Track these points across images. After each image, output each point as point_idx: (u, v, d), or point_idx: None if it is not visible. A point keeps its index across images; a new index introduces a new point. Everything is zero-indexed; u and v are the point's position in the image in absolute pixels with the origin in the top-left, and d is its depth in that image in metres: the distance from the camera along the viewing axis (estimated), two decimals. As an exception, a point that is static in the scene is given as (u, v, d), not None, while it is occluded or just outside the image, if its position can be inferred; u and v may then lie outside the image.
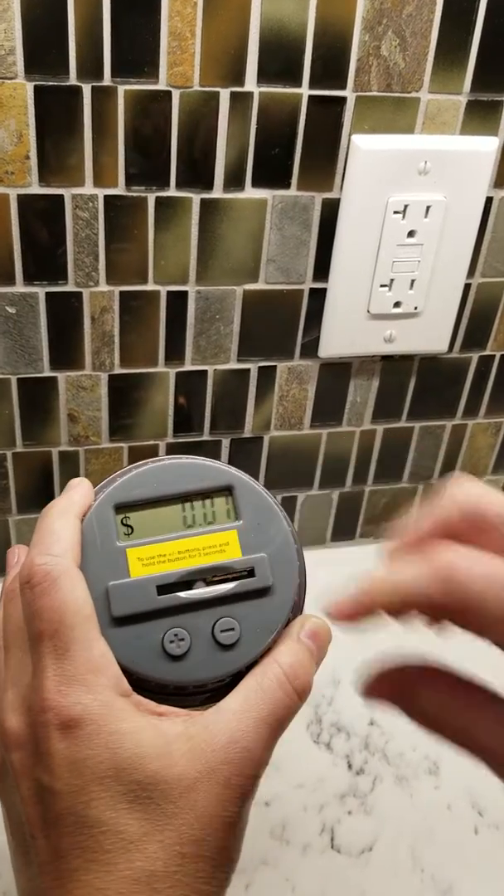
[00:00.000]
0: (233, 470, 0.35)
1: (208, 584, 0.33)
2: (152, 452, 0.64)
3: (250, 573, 0.33)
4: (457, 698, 0.29)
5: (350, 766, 0.57)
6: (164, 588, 0.33)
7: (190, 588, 0.33)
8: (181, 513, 0.34)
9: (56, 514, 0.33)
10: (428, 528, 0.30)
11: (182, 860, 0.28)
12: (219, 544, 0.34)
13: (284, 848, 0.52)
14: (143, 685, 0.32)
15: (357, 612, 0.30)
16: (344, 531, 0.74)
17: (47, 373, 0.58)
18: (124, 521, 0.34)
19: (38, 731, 0.29)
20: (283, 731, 0.31)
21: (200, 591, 0.33)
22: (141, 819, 0.28)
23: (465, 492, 0.30)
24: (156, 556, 0.33)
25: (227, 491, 0.35)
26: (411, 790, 0.55)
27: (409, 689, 0.30)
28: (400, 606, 0.28)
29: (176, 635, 0.32)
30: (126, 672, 0.31)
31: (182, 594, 0.33)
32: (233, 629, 0.33)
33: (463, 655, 0.32)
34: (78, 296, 0.55)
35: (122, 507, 0.34)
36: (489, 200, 0.59)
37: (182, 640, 0.32)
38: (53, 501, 0.34)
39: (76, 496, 0.34)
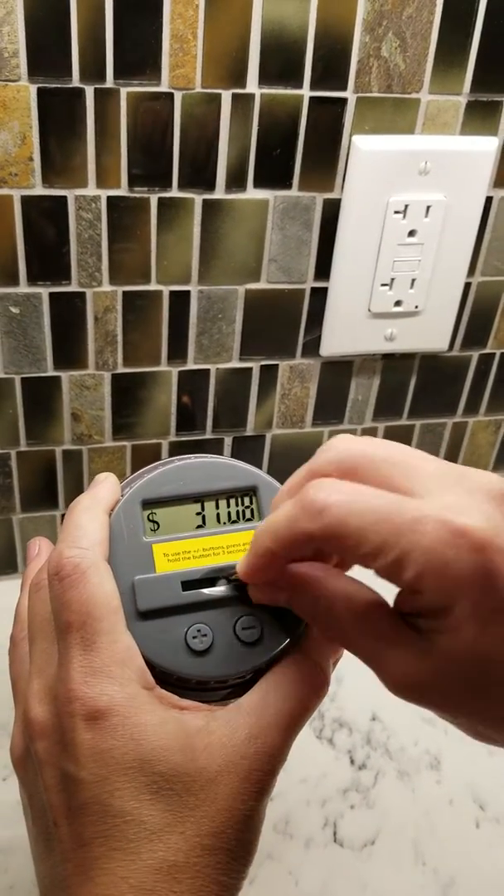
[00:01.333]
0: (257, 471, 0.36)
1: (231, 581, 0.34)
2: (155, 451, 0.64)
3: None
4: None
5: (352, 762, 0.57)
6: (189, 584, 0.33)
7: (213, 585, 0.34)
8: (206, 511, 0.35)
9: (83, 508, 0.34)
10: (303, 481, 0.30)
11: (202, 851, 0.29)
12: (242, 543, 0.34)
13: (288, 842, 0.52)
14: (165, 679, 0.32)
15: (260, 568, 0.30)
16: (345, 528, 0.74)
17: (51, 372, 0.58)
18: (150, 517, 0.34)
19: (64, 720, 0.30)
20: (301, 728, 0.32)
21: (223, 589, 0.34)
22: (163, 810, 0.29)
23: (336, 445, 0.30)
24: (181, 552, 0.34)
25: (251, 491, 0.35)
26: (413, 785, 0.56)
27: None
28: (292, 550, 0.29)
29: (199, 631, 0.33)
30: (150, 665, 0.32)
31: (206, 591, 0.33)
32: (254, 627, 0.33)
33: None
34: (81, 296, 0.56)
35: (149, 503, 0.34)
36: (489, 200, 0.59)
37: (205, 635, 0.33)
38: (80, 497, 0.35)
39: (103, 492, 0.35)
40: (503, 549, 0.25)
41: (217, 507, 0.35)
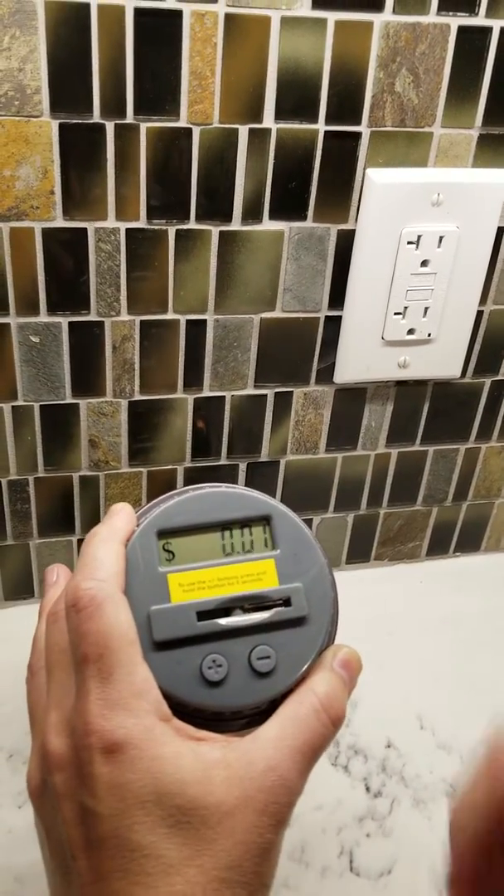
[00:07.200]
0: (271, 500, 0.36)
1: (246, 611, 0.34)
2: (171, 477, 0.65)
3: (286, 602, 0.34)
4: None
5: (368, 789, 0.57)
6: (204, 614, 0.33)
7: (228, 615, 0.34)
8: (220, 540, 0.35)
9: (100, 539, 0.34)
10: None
11: (220, 885, 0.29)
12: (256, 573, 0.34)
13: (304, 870, 0.52)
14: (181, 710, 0.32)
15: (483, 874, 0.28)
16: (359, 553, 0.75)
17: (69, 400, 0.59)
18: (166, 547, 0.34)
19: (81, 753, 0.30)
20: (318, 759, 0.32)
21: (238, 619, 0.34)
22: (181, 844, 0.29)
23: None
24: (196, 582, 0.34)
25: (265, 520, 0.35)
26: (429, 812, 0.56)
27: None
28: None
29: (214, 661, 0.33)
30: (165, 696, 0.32)
31: (221, 621, 0.33)
32: (269, 657, 0.33)
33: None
34: (100, 325, 0.57)
35: (164, 534, 0.35)
36: (501, 230, 0.60)
37: (220, 666, 0.33)
38: (97, 527, 0.35)
39: (119, 522, 0.35)
40: None
41: (231, 536, 0.35)
